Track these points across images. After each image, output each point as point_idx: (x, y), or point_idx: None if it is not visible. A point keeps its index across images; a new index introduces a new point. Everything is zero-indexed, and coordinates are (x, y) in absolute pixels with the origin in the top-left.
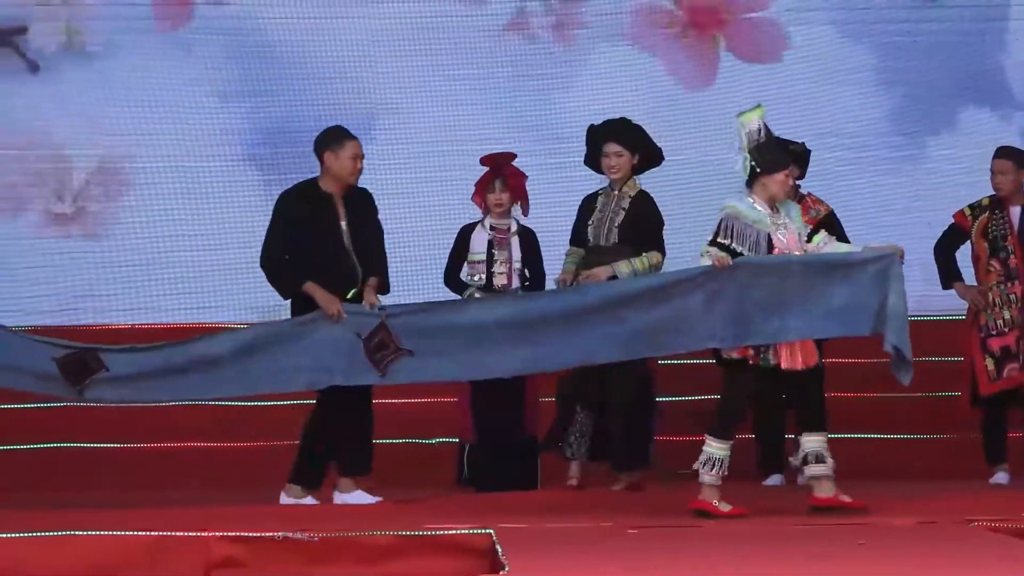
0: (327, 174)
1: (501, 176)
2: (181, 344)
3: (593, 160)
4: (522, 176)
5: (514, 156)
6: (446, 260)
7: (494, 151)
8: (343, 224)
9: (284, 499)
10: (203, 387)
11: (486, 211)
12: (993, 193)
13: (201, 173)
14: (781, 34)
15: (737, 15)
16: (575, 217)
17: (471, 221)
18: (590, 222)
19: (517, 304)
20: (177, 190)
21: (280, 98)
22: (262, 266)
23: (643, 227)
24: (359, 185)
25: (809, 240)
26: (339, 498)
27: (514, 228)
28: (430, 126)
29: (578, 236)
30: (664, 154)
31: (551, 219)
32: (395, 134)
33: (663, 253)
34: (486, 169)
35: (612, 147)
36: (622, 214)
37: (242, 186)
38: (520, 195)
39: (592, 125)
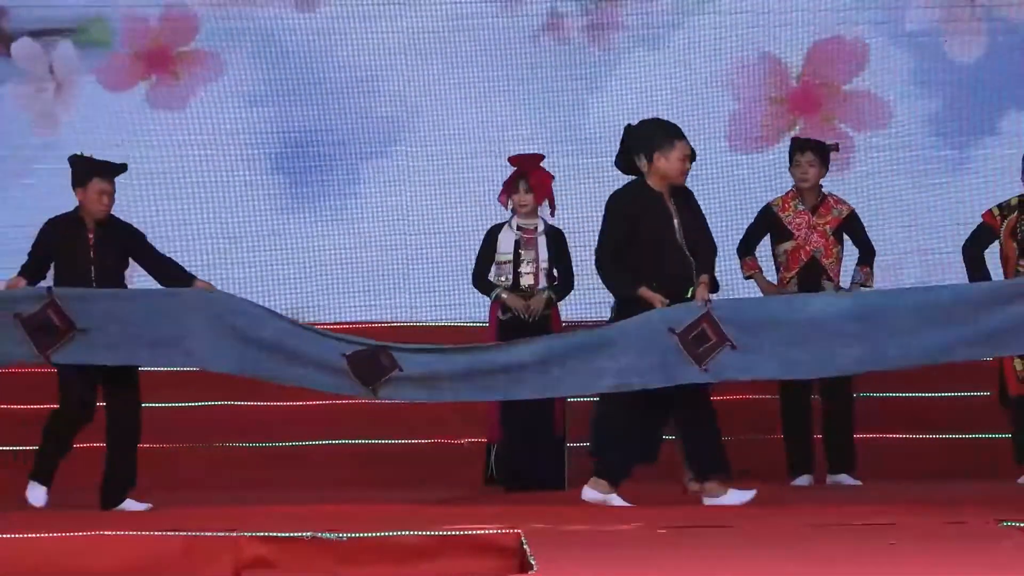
0: (655, 174)
1: (526, 176)
2: (485, 349)
3: (628, 160)
4: (548, 176)
5: (542, 157)
6: (474, 261)
7: (524, 152)
8: (676, 222)
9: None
10: (504, 390)
11: (513, 211)
12: (1022, 192)
13: (227, 177)
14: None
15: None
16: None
17: (499, 222)
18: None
19: (858, 300)
20: (199, 193)
21: (309, 102)
22: (598, 267)
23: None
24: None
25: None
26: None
27: (541, 228)
28: (461, 129)
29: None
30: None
31: (581, 220)
32: (426, 136)
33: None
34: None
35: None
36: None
37: (268, 191)
38: (545, 195)
39: (629, 125)
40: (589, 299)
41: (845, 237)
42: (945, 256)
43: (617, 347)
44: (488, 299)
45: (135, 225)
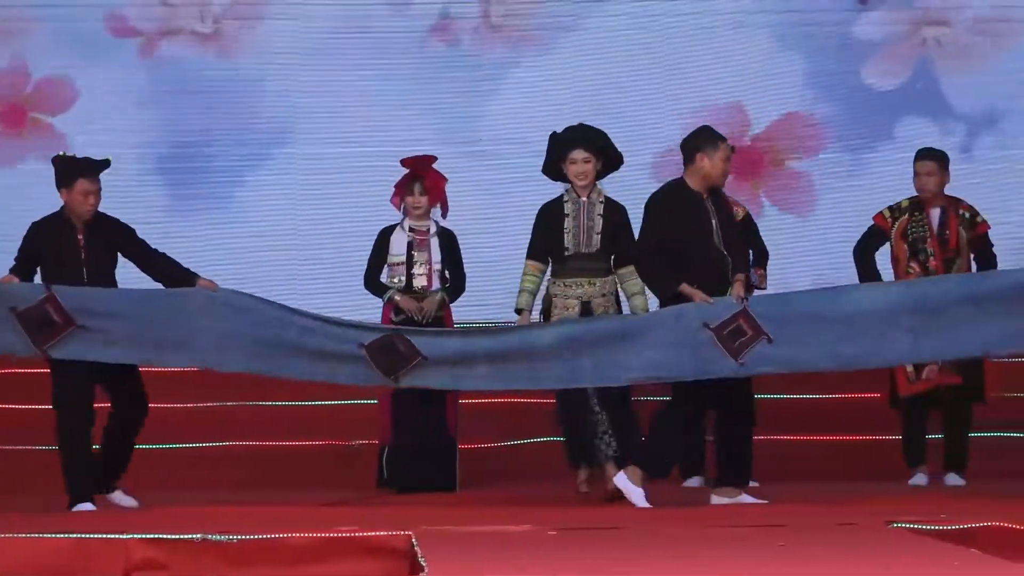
0: (696, 174)
1: (420, 179)
2: (503, 333)
3: (554, 167)
4: (442, 179)
5: (434, 159)
6: (366, 263)
7: (415, 154)
8: (714, 222)
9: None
10: (526, 378)
11: (405, 213)
12: (914, 195)
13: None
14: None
15: None
16: (537, 227)
17: (390, 224)
18: (566, 229)
19: (912, 290)
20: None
21: (196, 104)
22: (637, 266)
23: (621, 238)
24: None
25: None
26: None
27: (433, 230)
28: (350, 131)
29: (548, 245)
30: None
31: (471, 222)
32: (315, 138)
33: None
34: (406, 171)
35: (580, 153)
36: (600, 221)
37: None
38: (439, 198)
39: (555, 132)
40: (480, 300)
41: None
42: (838, 259)
43: (647, 339)
44: (381, 300)
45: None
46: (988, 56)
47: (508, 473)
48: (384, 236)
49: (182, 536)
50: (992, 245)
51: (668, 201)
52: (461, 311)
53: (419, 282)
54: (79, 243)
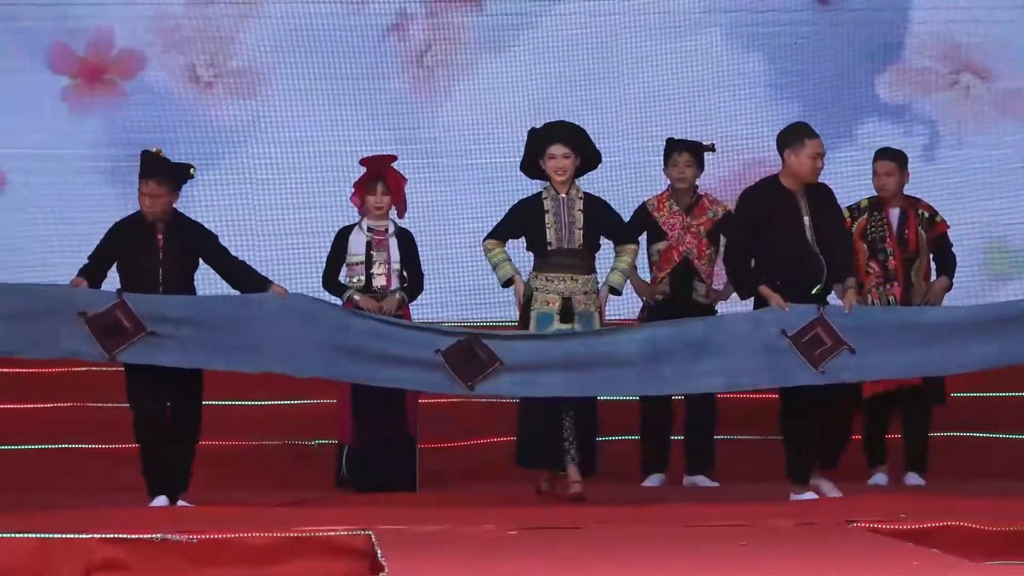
0: (787, 171)
1: (382, 178)
2: (580, 338)
3: (532, 162)
4: (403, 178)
5: (395, 158)
6: (324, 262)
7: (373, 153)
8: (806, 220)
9: None
10: (604, 385)
11: (364, 212)
12: (872, 195)
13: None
14: None
15: None
16: (511, 216)
17: (348, 223)
18: (548, 224)
19: (973, 312)
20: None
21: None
22: (724, 261)
23: (612, 226)
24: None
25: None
26: None
27: (392, 229)
28: (306, 130)
29: (531, 238)
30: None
31: (427, 222)
32: (270, 138)
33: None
34: (364, 171)
35: (559, 149)
36: (581, 217)
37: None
38: (400, 197)
39: (534, 128)
40: (438, 299)
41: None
42: None
43: (725, 347)
44: (340, 301)
45: None
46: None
47: (468, 472)
48: (342, 236)
49: (143, 536)
50: (951, 245)
51: (756, 198)
52: (419, 310)
53: (378, 282)
54: (158, 243)
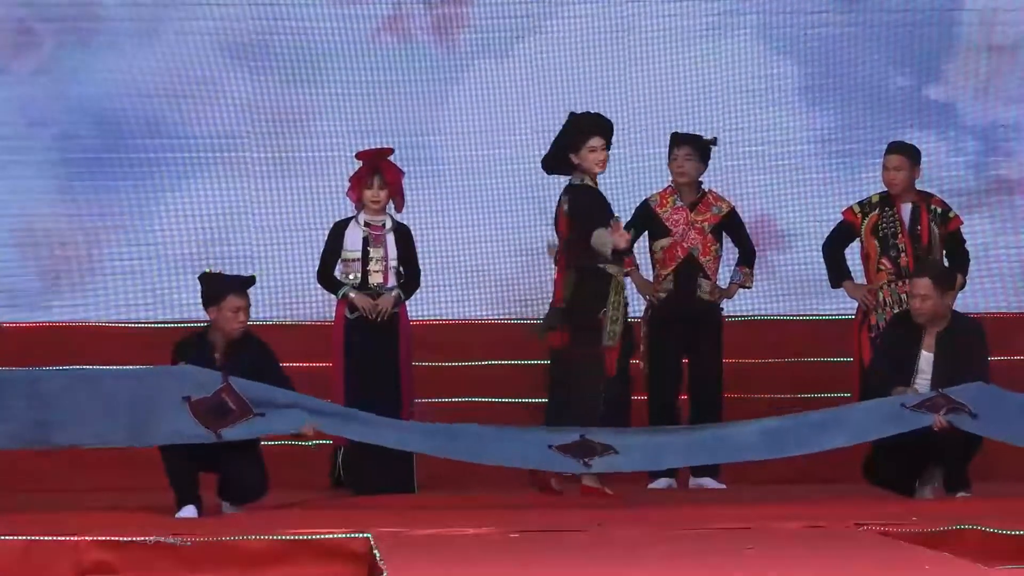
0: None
1: (379, 172)
2: (704, 430)
3: (563, 152)
4: (399, 172)
5: (391, 151)
6: (318, 259)
7: (369, 148)
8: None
9: None
10: (724, 454)
11: (360, 207)
12: (883, 190)
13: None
14: None
15: None
16: (595, 206)
17: (342, 218)
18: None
19: None
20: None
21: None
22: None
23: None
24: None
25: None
26: None
27: (389, 225)
28: (301, 126)
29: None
30: None
31: (425, 218)
32: (267, 133)
33: None
34: (360, 164)
35: (599, 141)
36: None
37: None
38: (397, 191)
39: (574, 112)
40: (435, 297)
41: (725, 235)
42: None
43: (846, 419)
44: (335, 297)
45: None
46: None
47: (467, 474)
48: (338, 230)
49: (134, 539)
50: (964, 241)
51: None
52: (415, 308)
53: (375, 279)
54: (216, 363)
